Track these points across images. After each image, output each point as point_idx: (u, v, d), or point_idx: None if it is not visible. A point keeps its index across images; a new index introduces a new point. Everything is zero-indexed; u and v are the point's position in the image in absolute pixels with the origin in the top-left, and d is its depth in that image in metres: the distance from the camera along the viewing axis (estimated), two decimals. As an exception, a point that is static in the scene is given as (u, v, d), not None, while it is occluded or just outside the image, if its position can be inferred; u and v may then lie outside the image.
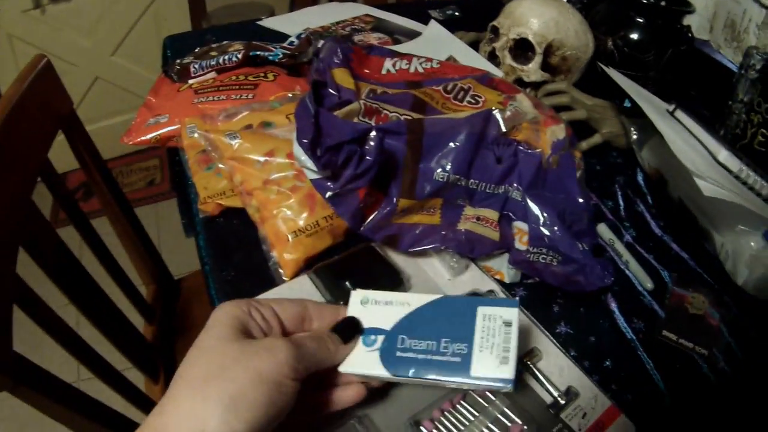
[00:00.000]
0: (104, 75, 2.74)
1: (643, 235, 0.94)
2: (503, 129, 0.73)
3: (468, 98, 0.82)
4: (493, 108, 0.75)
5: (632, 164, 1.08)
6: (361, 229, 0.71)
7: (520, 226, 0.74)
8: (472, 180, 0.74)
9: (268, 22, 1.43)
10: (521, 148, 0.74)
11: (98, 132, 2.79)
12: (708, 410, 0.71)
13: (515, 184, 0.75)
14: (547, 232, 0.72)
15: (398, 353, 0.55)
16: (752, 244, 0.84)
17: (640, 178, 1.06)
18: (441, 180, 0.71)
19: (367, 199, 0.69)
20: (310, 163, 0.65)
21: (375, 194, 0.70)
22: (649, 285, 0.84)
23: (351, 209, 0.68)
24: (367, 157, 0.65)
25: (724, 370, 0.75)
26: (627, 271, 0.87)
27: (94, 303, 1.11)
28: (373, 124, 0.73)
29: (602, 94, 1.12)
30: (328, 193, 0.68)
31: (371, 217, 0.71)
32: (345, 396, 0.57)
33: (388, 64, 0.88)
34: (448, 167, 0.71)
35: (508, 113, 0.76)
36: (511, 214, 0.76)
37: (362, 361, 0.56)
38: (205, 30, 1.57)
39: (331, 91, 0.77)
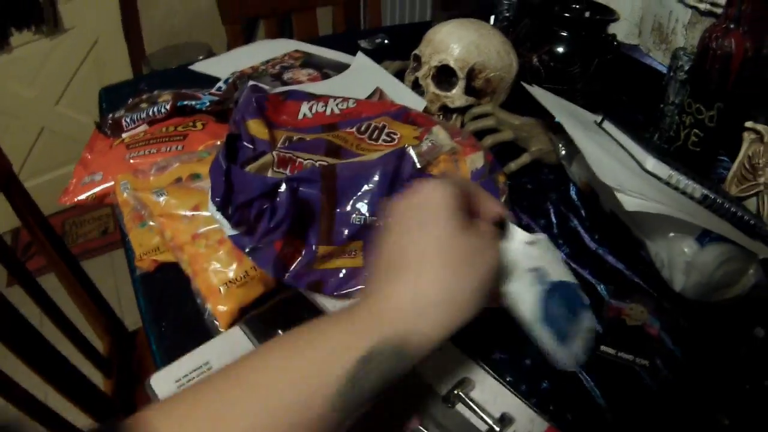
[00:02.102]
0: (50, 125, 2.72)
1: (577, 251, 0.94)
2: (418, 165, 0.74)
3: (383, 136, 0.82)
4: (407, 145, 0.76)
5: (564, 179, 1.09)
6: (285, 278, 0.71)
7: (443, 259, 0.75)
8: (390, 219, 0.74)
9: (200, 66, 1.43)
10: (437, 182, 0.75)
11: (48, 183, 2.81)
12: (652, 421, 0.72)
13: (434, 218, 0.75)
14: (469, 263, 0.73)
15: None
16: (686, 250, 0.84)
17: (573, 192, 1.07)
18: (358, 223, 0.72)
19: (285, 250, 0.70)
20: (224, 221, 0.66)
21: (294, 243, 0.71)
22: (585, 301, 0.85)
23: (270, 261, 0.69)
24: (279, 210, 0.66)
25: (668, 379, 0.75)
26: (560, 289, 0.87)
27: (51, 365, 1.10)
28: (288, 173, 0.73)
29: (532, 111, 1.12)
30: (246, 249, 0.68)
31: (293, 266, 0.71)
32: None
33: (304, 108, 0.89)
34: (365, 210, 0.72)
35: (424, 148, 0.77)
36: (433, 248, 0.76)
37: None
38: (139, 79, 1.57)
39: (245, 144, 0.77)
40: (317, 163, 0.74)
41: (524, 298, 0.64)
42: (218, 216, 0.66)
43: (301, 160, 0.75)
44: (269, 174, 0.73)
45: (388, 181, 0.72)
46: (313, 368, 0.47)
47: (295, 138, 0.82)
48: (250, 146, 0.77)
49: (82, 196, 1.01)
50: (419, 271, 0.50)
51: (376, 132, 0.83)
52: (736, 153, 1.00)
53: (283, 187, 0.66)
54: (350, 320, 0.50)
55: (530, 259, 0.65)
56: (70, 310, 1.34)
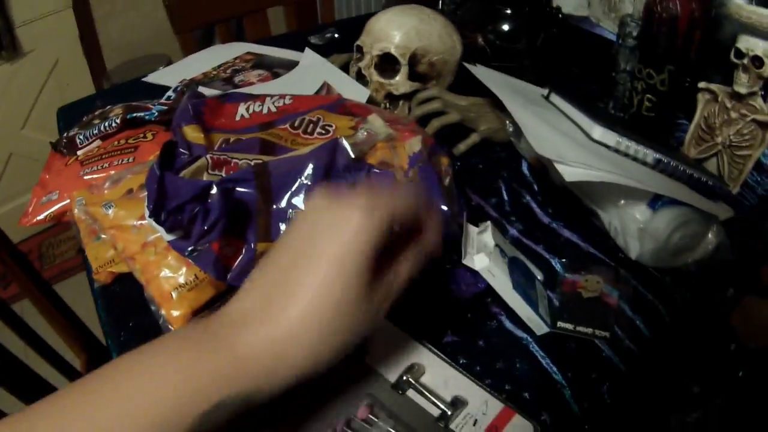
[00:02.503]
0: (18, 150, 2.70)
1: (530, 227, 0.94)
2: (352, 155, 0.74)
3: (318, 130, 0.83)
4: (341, 136, 0.76)
5: (516, 157, 1.09)
6: (228, 278, 0.71)
7: (383, 244, 0.75)
8: (327, 211, 0.74)
9: (153, 77, 1.43)
10: (374, 170, 0.75)
11: (21, 207, 2.75)
12: (617, 394, 0.71)
13: (373, 206, 0.75)
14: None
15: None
16: (637, 216, 0.84)
17: (524, 168, 1.07)
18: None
19: (224, 250, 0.70)
20: (160, 228, 0.66)
21: (234, 243, 0.71)
22: (539, 277, 0.85)
23: (210, 262, 0.69)
24: (212, 212, 0.66)
25: (630, 349, 0.75)
26: (513, 268, 0.87)
27: (28, 386, 1.11)
28: (224, 175, 0.73)
29: (482, 91, 1.11)
30: (186, 252, 0.68)
31: (234, 266, 0.72)
32: None
33: (242, 109, 0.89)
34: (300, 204, 0.72)
35: (359, 137, 0.77)
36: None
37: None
38: (95, 96, 1.56)
39: (181, 150, 0.77)
40: (252, 162, 0.74)
41: (499, 270, 0.74)
42: (153, 223, 0.66)
43: (236, 160, 0.75)
44: (204, 177, 0.73)
45: (322, 174, 0.72)
46: (159, 414, 0.45)
47: (231, 140, 0.82)
48: (186, 153, 0.77)
49: (41, 216, 1.01)
50: (305, 318, 0.49)
51: (311, 126, 0.83)
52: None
53: (215, 189, 0.66)
54: (203, 364, 0.48)
55: (490, 240, 0.75)
56: (49, 333, 1.36)
